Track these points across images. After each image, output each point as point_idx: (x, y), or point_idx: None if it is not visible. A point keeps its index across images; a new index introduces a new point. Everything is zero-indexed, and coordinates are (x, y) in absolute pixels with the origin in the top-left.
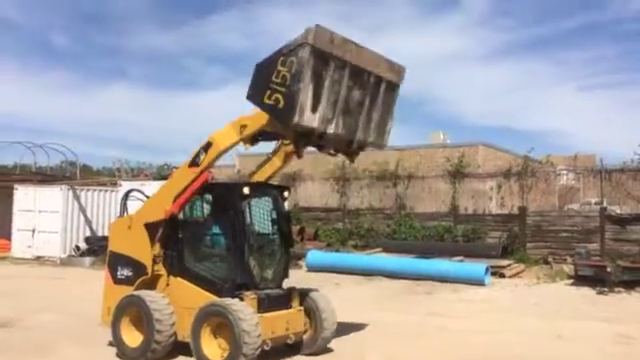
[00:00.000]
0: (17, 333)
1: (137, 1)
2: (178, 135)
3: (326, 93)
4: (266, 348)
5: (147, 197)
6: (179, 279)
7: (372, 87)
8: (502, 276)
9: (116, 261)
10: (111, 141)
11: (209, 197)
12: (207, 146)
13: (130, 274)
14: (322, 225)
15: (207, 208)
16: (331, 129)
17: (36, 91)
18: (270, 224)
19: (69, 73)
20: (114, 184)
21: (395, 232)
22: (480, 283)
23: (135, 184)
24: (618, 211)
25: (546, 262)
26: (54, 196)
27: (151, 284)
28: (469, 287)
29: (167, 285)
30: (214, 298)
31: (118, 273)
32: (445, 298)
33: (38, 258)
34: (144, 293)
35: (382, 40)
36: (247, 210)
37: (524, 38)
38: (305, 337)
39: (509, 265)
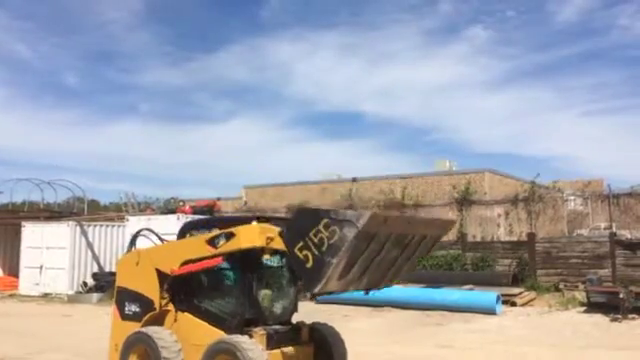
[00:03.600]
0: None
1: (146, 38)
2: (186, 168)
3: (360, 263)
4: None
5: (158, 236)
6: (187, 315)
7: (414, 245)
8: (513, 304)
9: (124, 297)
10: (120, 175)
11: (217, 231)
12: (229, 235)
13: (138, 310)
14: None
15: None
16: (352, 287)
17: (47, 128)
18: (278, 257)
19: (80, 110)
20: (121, 219)
21: None
22: (491, 312)
23: (142, 219)
24: (628, 236)
25: (557, 289)
26: (61, 232)
27: (159, 320)
28: (480, 317)
29: (175, 321)
30: (222, 334)
31: (126, 309)
32: (456, 329)
33: (45, 295)
34: (151, 330)
35: (387, 69)
36: None
37: (526, 65)
38: None
39: (520, 293)
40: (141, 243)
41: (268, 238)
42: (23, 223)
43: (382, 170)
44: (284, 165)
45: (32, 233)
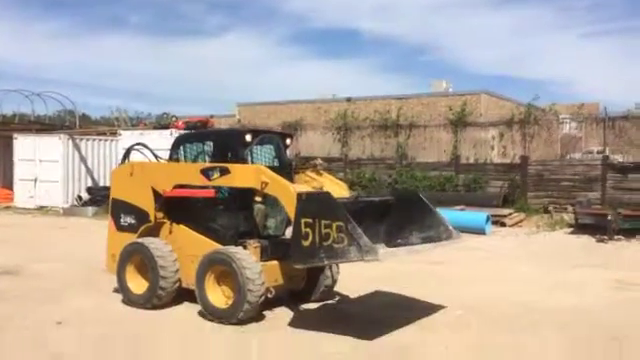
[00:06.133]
0: (23, 281)
1: None
2: (179, 84)
3: None
4: (269, 296)
5: (151, 151)
6: (182, 227)
7: None
8: (503, 225)
9: (118, 208)
10: (110, 90)
11: (211, 144)
12: (224, 170)
13: (133, 221)
14: None
15: (209, 154)
16: None
17: (35, 39)
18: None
19: (68, 21)
20: (114, 134)
21: (396, 182)
22: (481, 232)
23: (135, 134)
24: (620, 159)
25: (547, 211)
26: (54, 145)
27: (154, 231)
28: (470, 236)
29: (170, 233)
30: (217, 246)
31: (121, 220)
32: (446, 247)
33: (41, 208)
34: (147, 240)
35: None
36: (249, 157)
37: None
38: (309, 285)
39: (510, 214)
40: (135, 158)
41: (263, 182)
42: (15, 135)
43: (377, 91)
44: (278, 84)
45: (24, 145)
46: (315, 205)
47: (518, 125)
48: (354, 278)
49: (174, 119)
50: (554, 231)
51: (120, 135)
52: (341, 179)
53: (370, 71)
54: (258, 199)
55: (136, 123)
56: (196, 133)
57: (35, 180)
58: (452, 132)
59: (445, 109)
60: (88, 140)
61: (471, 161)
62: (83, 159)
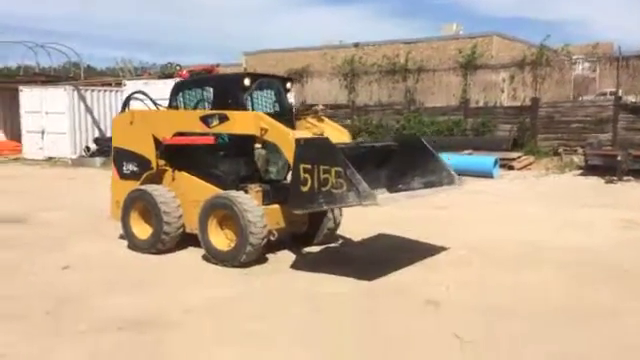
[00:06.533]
0: (31, 229)
1: None
2: (184, 33)
3: None
4: (272, 239)
5: (151, 99)
6: (184, 173)
7: None
8: (511, 168)
9: (120, 157)
10: (115, 41)
11: (210, 90)
12: (223, 117)
13: (135, 169)
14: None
15: (208, 100)
16: None
17: None
18: (273, 117)
19: None
20: (119, 84)
21: (404, 128)
22: (489, 176)
23: (139, 83)
24: (633, 100)
25: (556, 154)
26: (59, 97)
27: (157, 178)
28: (477, 180)
29: (173, 180)
30: (219, 191)
31: (124, 168)
32: (452, 192)
33: (49, 159)
34: (150, 187)
35: None
36: (249, 102)
37: None
38: (311, 228)
39: (518, 157)
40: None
41: (262, 129)
42: (20, 87)
43: (386, 37)
44: (285, 31)
45: (30, 97)
46: (314, 151)
47: (529, 67)
48: (358, 222)
49: (178, 68)
50: (563, 173)
51: (125, 85)
52: (348, 126)
53: (378, 16)
54: (258, 145)
55: (141, 73)
56: (195, 79)
57: (42, 132)
58: (461, 75)
59: (455, 53)
60: (93, 91)
61: (480, 105)
62: (89, 110)
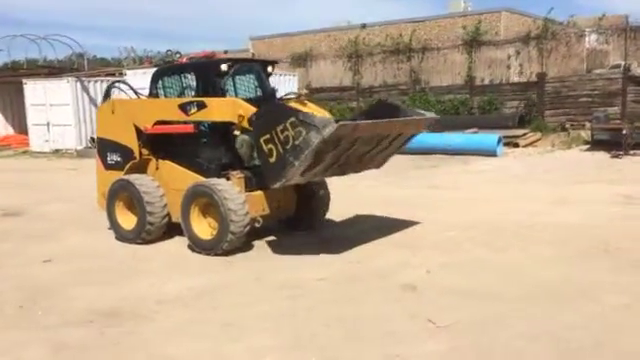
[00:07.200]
0: (25, 222)
1: None
2: (191, 22)
3: (326, 160)
4: (257, 225)
5: (132, 88)
6: (167, 162)
7: (387, 141)
8: (516, 146)
9: (105, 147)
10: (122, 31)
11: (188, 77)
12: (201, 105)
13: (119, 159)
14: (336, 105)
15: (188, 87)
16: (317, 178)
17: None
18: (256, 103)
19: None
20: (120, 74)
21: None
22: (492, 154)
23: (139, 72)
24: None
25: (564, 129)
26: (62, 89)
27: (141, 168)
28: (480, 159)
29: (157, 169)
30: (201, 179)
31: (108, 159)
32: (450, 171)
33: (56, 151)
34: (133, 177)
35: None
36: (228, 88)
37: None
38: (299, 213)
39: (524, 134)
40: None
41: (240, 116)
42: (24, 80)
43: (394, 16)
44: (293, 16)
45: (34, 90)
46: (265, 118)
47: (535, 41)
48: (349, 203)
49: (178, 56)
50: (570, 149)
51: (125, 75)
52: (353, 108)
53: None
54: (237, 133)
55: (143, 62)
56: (173, 66)
57: (48, 124)
58: (466, 53)
59: (462, 30)
60: (96, 82)
61: (486, 82)
62: (93, 101)
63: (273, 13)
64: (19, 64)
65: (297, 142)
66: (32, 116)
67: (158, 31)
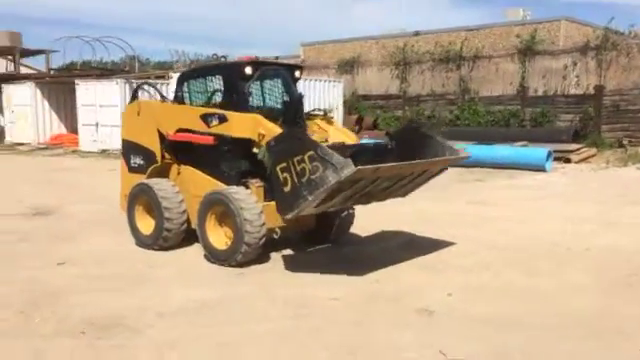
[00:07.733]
0: (51, 222)
1: None
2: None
3: (342, 196)
4: (275, 237)
5: (158, 91)
6: (189, 167)
7: (412, 177)
8: (568, 161)
9: (129, 149)
10: (176, 36)
11: (213, 79)
12: (223, 118)
13: (142, 162)
14: (382, 113)
15: (212, 90)
16: (333, 209)
17: None
18: (281, 109)
19: None
20: (169, 77)
21: (458, 118)
22: (541, 169)
23: None
24: None
25: (621, 145)
26: (111, 90)
27: (164, 172)
28: (527, 173)
29: (178, 174)
30: (221, 185)
31: (131, 161)
32: (494, 185)
33: (103, 151)
34: (153, 181)
35: None
36: (252, 92)
37: None
38: (320, 225)
39: (578, 149)
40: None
41: (260, 134)
42: (77, 81)
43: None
44: (348, 23)
45: (86, 91)
46: (283, 145)
47: (594, 52)
48: (378, 219)
49: (223, 59)
50: (625, 167)
51: (171, 78)
52: (399, 117)
53: (443, 3)
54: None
55: (193, 65)
56: (199, 68)
57: (96, 125)
58: (519, 62)
59: (518, 39)
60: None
61: (540, 93)
62: None
63: (327, 20)
64: (74, 65)
65: (313, 177)
66: (82, 116)
67: (211, 35)
